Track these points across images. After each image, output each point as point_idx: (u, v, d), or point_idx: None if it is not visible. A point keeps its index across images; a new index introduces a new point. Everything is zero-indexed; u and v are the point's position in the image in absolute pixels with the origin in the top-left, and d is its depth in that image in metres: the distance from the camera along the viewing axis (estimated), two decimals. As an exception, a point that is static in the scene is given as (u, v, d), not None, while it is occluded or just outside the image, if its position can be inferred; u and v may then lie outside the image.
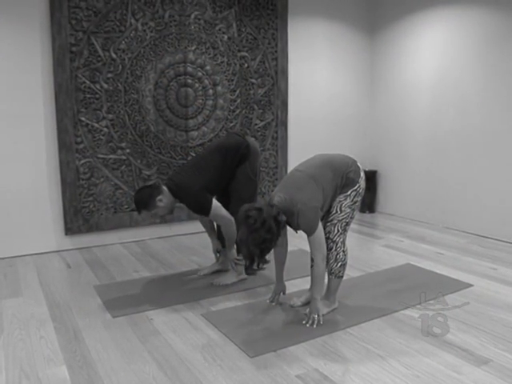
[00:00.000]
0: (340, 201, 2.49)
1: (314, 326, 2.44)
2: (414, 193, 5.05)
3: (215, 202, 2.90)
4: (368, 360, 2.13)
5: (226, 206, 3.06)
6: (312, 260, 2.69)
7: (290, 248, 3.90)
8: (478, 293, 2.93)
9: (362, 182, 2.54)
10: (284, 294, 2.80)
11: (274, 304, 2.75)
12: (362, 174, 2.55)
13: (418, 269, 3.38)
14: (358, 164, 2.57)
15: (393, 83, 5.18)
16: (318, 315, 2.47)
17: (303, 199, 2.33)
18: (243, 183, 3.04)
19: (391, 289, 2.99)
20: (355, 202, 2.51)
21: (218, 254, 3.30)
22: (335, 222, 2.50)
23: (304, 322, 2.48)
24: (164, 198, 2.85)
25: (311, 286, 2.55)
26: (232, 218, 2.91)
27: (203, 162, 2.96)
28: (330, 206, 2.54)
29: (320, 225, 2.37)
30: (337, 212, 2.49)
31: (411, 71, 4.93)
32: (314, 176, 2.41)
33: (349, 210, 2.50)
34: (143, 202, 2.81)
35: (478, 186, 4.36)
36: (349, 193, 2.48)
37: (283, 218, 2.32)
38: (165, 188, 2.89)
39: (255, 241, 2.22)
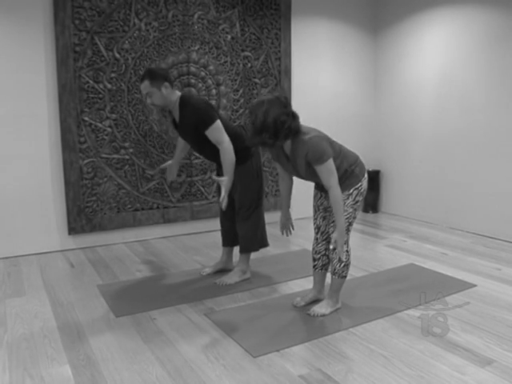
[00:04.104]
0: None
1: (342, 257, 2.42)
2: (417, 193, 5.04)
3: (220, 122, 2.80)
4: (371, 360, 2.13)
5: (231, 208, 3.07)
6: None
7: (293, 248, 3.90)
8: (482, 293, 2.92)
9: (365, 182, 2.54)
10: (292, 227, 2.76)
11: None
12: (366, 175, 2.56)
13: (422, 269, 3.37)
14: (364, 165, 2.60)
15: (396, 83, 5.17)
16: (346, 246, 2.49)
17: (316, 134, 2.35)
18: (249, 184, 2.99)
19: (395, 289, 2.98)
20: (357, 202, 2.51)
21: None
22: (338, 221, 2.50)
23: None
24: (170, 91, 2.81)
25: (333, 227, 2.52)
26: (231, 145, 2.80)
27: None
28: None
29: (331, 157, 2.33)
30: (340, 211, 2.49)
31: (415, 71, 4.92)
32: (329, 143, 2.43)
33: (351, 210, 2.50)
34: (155, 73, 2.76)
35: (482, 185, 4.34)
36: (351, 191, 2.48)
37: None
38: (178, 92, 2.87)
39: (278, 115, 2.23)
